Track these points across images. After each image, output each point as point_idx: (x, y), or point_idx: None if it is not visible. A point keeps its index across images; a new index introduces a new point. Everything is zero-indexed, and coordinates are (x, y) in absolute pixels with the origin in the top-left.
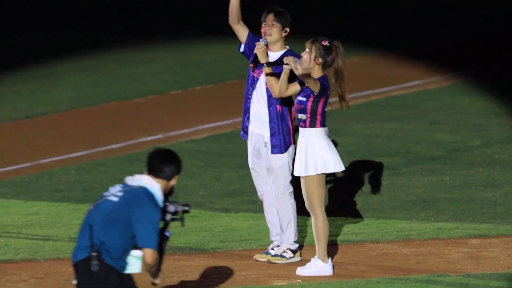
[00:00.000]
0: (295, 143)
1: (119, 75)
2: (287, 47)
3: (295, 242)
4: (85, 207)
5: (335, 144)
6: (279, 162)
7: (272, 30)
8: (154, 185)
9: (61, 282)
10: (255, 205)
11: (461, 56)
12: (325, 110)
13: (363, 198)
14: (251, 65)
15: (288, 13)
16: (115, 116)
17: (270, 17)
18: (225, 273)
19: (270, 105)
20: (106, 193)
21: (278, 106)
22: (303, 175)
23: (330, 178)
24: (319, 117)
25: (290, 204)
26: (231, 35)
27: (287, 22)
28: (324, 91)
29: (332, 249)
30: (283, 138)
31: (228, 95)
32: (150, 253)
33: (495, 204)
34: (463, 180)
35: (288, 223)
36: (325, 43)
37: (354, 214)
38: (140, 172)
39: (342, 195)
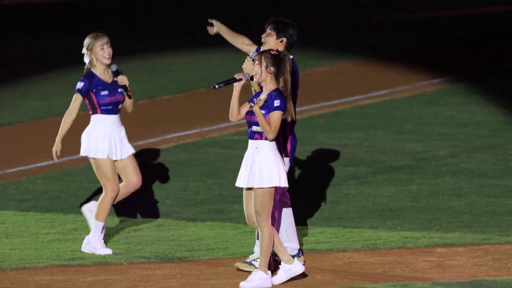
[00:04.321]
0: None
1: None
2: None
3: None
4: (52, 216)
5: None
6: None
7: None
8: None
9: None
10: (222, 214)
11: (429, 63)
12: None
13: (329, 207)
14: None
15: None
16: (82, 126)
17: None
18: (191, 282)
19: None
20: None
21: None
22: (256, 187)
23: (300, 185)
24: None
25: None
26: (201, 43)
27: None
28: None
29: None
30: None
31: (196, 104)
32: None
33: (461, 213)
34: (429, 189)
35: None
36: (273, 52)
37: (321, 223)
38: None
39: (309, 204)
